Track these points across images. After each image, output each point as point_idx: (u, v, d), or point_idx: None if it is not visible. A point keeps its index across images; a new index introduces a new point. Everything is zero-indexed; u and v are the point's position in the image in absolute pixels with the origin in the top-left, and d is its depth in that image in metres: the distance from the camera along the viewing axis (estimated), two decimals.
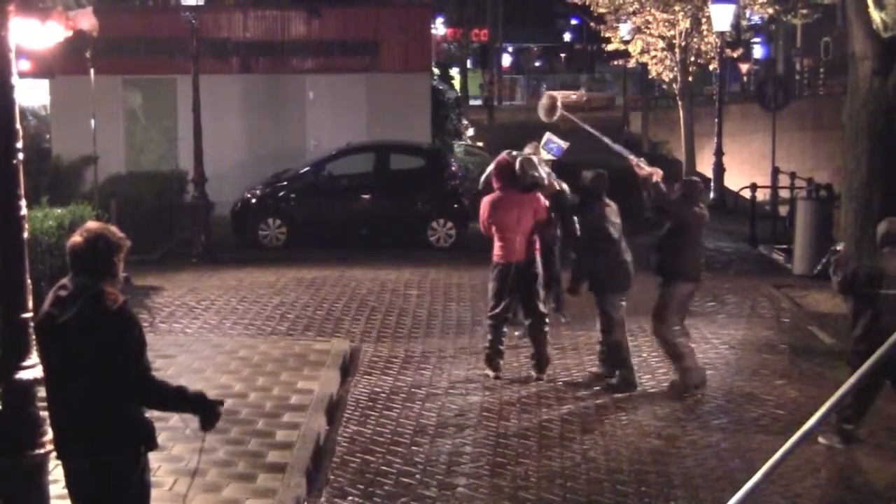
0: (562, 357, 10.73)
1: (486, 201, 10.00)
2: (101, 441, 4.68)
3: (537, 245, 10.01)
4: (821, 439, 8.20)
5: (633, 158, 10.07)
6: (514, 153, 10.14)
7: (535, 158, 10.19)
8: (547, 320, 10.16)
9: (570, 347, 11.12)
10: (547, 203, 10.03)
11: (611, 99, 58.20)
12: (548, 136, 11.54)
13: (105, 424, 4.66)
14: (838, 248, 8.61)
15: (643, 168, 9.75)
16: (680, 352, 9.64)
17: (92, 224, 4.88)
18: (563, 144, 11.47)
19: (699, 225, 9.76)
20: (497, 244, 9.92)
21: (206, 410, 4.87)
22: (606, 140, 10.65)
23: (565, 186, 10.70)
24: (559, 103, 10.97)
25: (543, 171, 10.02)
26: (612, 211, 9.89)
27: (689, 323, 11.95)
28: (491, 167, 10.30)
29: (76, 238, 4.75)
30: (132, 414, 4.74)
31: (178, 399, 4.90)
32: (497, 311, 9.95)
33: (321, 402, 8.98)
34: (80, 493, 4.83)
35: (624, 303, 9.92)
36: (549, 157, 11.23)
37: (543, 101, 11.02)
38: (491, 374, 10.01)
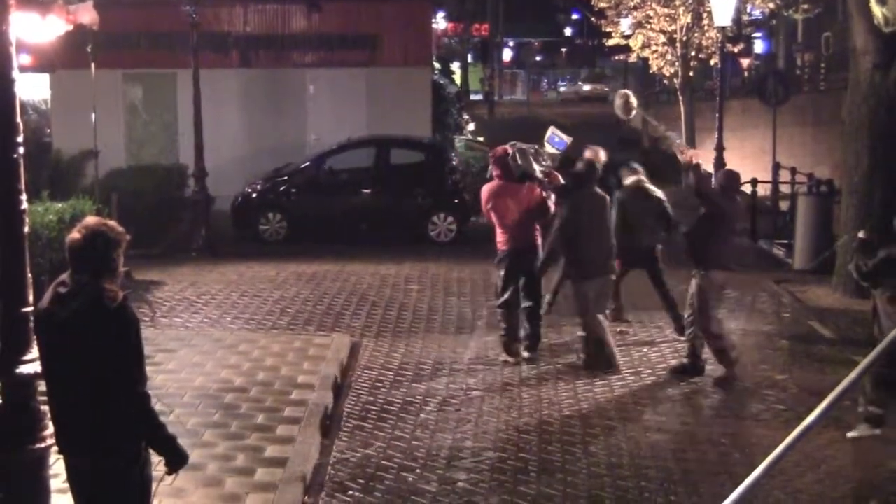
0: (562, 354, 10.73)
1: (484, 189, 10.45)
2: (101, 438, 4.67)
3: (537, 232, 10.29)
4: (849, 435, 8.24)
5: (678, 143, 10.80)
6: (519, 144, 10.46)
7: (531, 150, 10.44)
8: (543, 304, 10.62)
9: (572, 344, 11.11)
10: (545, 195, 10.19)
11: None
12: (551, 130, 11.78)
13: (105, 422, 4.65)
14: (860, 235, 8.57)
15: (685, 152, 10.30)
16: (726, 346, 9.76)
17: (90, 220, 4.85)
18: (567, 139, 11.66)
19: (735, 215, 10.06)
20: (498, 231, 10.34)
21: (176, 457, 4.83)
22: (662, 127, 11.52)
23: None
24: (632, 99, 11.49)
25: (537, 164, 10.26)
26: (598, 200, 10.11)
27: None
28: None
29: (74, 234, 4.72)
30: (132, 410, 4.72)
31: (158, 431, 4.79)
32: (505, 297, 10.31)
33: (322, 396, 8.99)
34: (81, 488, 4.82)
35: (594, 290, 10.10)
36: (553, 150, 11.44)
37: (618, 102, 11.55)
38: (511, 360, 10.31)
